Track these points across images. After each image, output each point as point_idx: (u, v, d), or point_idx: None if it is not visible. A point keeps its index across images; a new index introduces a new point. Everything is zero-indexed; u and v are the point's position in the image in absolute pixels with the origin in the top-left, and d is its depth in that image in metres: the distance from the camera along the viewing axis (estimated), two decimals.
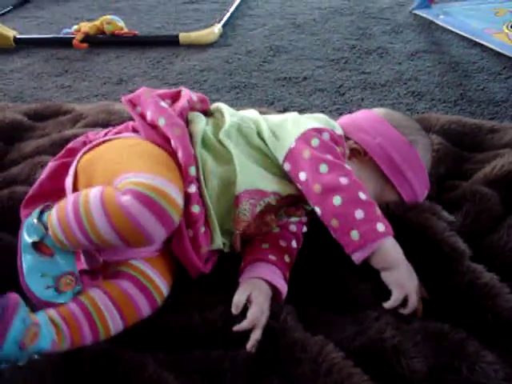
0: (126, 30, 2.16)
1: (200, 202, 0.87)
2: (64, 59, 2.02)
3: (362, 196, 0.84)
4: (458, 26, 2.08)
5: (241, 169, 0.89)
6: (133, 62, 1.96)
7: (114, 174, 0.80)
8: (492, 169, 1.08)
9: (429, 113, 1.45)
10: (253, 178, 0.90)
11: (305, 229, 0.97)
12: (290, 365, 0.76)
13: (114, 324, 0.81)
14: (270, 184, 0.90)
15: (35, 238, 0.79)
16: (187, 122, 0.94)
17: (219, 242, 0.90)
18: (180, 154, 0.86)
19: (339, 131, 0.96)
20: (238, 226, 0.90)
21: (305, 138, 0.90)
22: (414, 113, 1.49)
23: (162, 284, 0.85)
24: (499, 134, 1.24)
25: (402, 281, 0.82)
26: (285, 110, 1.51)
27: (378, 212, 0.85)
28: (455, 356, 0.75)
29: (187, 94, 0.97)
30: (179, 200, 0.78)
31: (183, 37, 2.06)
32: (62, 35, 2.18)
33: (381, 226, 0.82)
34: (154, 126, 0.91)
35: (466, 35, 2.01)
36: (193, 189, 0.85)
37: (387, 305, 0.82)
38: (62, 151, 0.96)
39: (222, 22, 2.20)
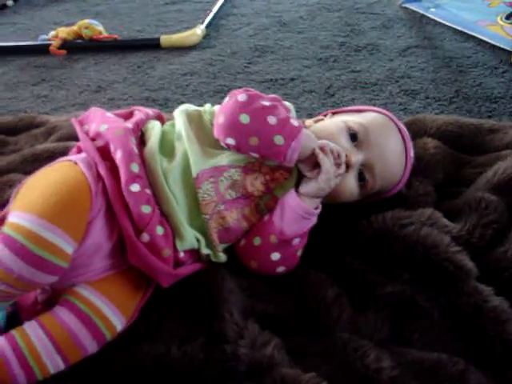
0: (105, 34, 2.07)
1: (151, 200, 0.81)
2: (41, 67, 1.93)
3: (265, 102, 0.85)
4: (450, 18, 2.00)
5: (191, 150, 0.85)
6: (112, 68, 1.87)
7: (12, 209, 0.76)
8: (494, 173, 1.00)
9: (423, 113, 1.36)
10: (204, 157, 0.86)
11: None
12: None
13: (53, 362, 0.73)
14: (223, 158, 0.86)
15: None
16: (143, 133, 0.90)
17: (190, 238, 0.83)
18: (119, 155, 0.81)
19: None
20: (206, 210, 0.84)
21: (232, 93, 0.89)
22: (408, 113, 1.41)
23: (111, 313, 0.77)
24: (499, 134, 1.16)
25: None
26: None
27: (283, 110, 0.86)
28: None
29: (143, 110, 0.94)
30: (60, 243, 0.71)
31: (164, 39, 1.98)
32: (38, 42, 2.09)
33: (294, 121, 0.84)
34: (95, 138, 0.86)
35: (458, 28, 1.93)
36: (136, 188, 0.79)
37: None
38: None
39: (206, 22, 2.11)
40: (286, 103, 0.95)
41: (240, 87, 1.58)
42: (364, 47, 1.85)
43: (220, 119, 0.85)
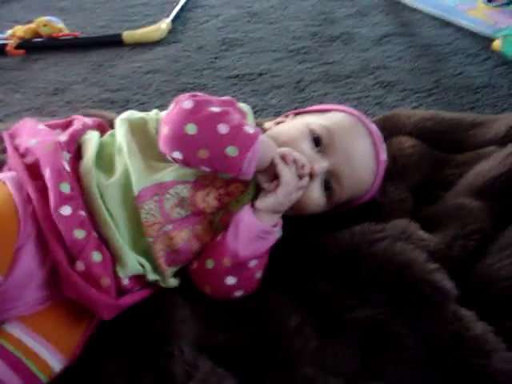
0: (65, 31, 1.95)
1: (86, 224, 0.71)
2: None
3: (215, 108, 0.74)
4: (428, 4, 1.89)
5: (133, 166, 0.76)
6: (72, 68, 1.75)
7: None
8: (476, 175, 0.90)
9: (401, 107, 1.28)
10: (147, 172, 0.76)
11: None
12: None
13: None
14: (168, 173, 0.76)
15: None
16: (80, 146, 0.81)
17: (133, 264, 0.74)
18: (47, 174, 0.72)
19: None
20: (150, 231, 0.75)
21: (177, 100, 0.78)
22: (384, 107, 1.31)
23: (46, 353, 0.68)
24: (482, 129, 1.07)
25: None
26: None
27: (237, 116, 0.76)
28: None
29: (81, 120, 0.84)
30: None
31: (127, 35, 1.86)
32: None
33: (249, 128, 0.73)
34: (25, 154, 0.77)
35: (437, 14, 1.82)
36: (67, 210, 0.70)
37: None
38: None
39: (172, 15, 2.00)
40: (242, 106, 0.85)
41: (205, 85, 1.51)
42: (338, 37, 1.74)
43: (164, 130, 0.74)
